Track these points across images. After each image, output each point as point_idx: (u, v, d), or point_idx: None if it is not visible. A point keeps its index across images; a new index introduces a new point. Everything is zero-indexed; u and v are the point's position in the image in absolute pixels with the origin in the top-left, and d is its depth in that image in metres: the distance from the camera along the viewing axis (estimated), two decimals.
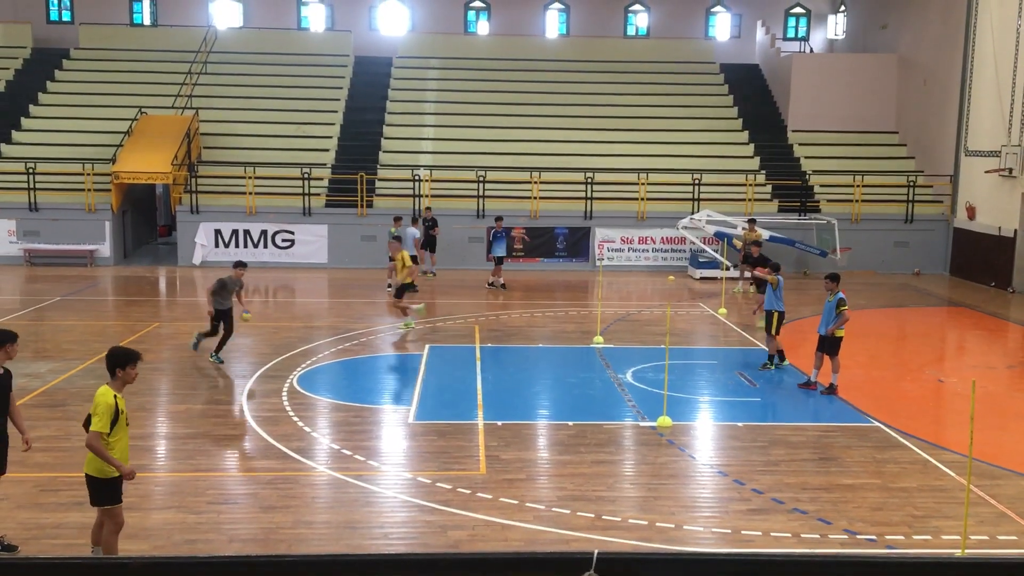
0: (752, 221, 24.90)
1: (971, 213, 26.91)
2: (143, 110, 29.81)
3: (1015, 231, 24.87)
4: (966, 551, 8.95)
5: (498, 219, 24.54)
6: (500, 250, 24.04)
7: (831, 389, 14.37)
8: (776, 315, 15.74)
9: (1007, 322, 21.13)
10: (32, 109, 30.86)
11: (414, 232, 24.12)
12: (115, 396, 7.80)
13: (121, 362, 7.80)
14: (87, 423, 7.82)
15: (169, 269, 26.99)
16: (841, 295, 14.39)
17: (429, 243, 25.21)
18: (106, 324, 19.44)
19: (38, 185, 27.02)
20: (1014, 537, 9.36)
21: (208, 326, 15.89)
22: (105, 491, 8.03)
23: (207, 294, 15.82)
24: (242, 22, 36.80)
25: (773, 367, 15.87)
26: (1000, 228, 25.50)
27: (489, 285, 23.99)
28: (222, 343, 15.72)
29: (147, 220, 32.25)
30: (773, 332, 15.81)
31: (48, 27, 35.66)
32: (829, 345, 14.42)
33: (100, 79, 32.34)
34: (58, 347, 16.86)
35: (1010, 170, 24.58)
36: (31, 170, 26.83)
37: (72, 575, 2.54)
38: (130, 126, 29.05)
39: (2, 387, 8.53)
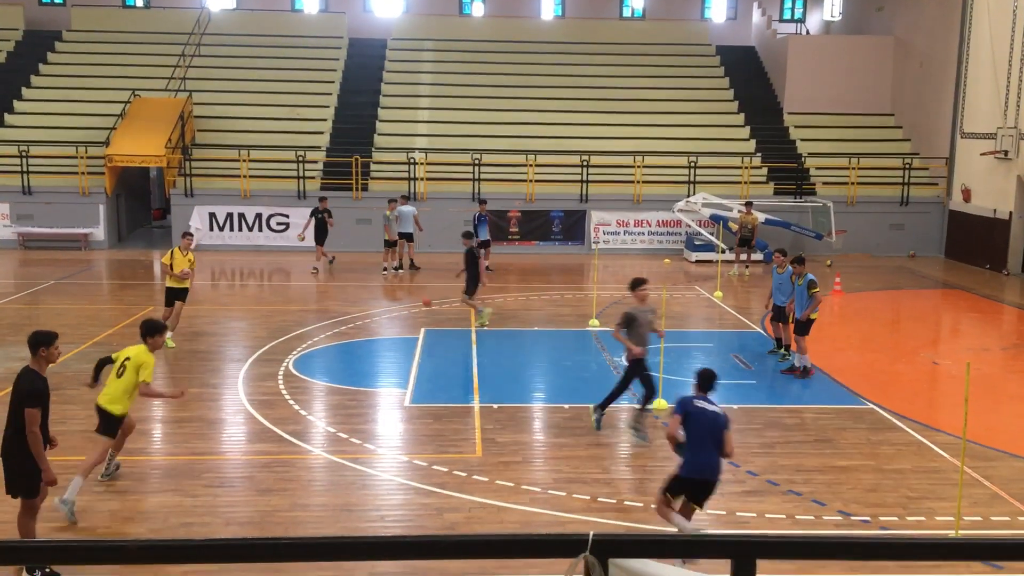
0: (749, 204, 24.88)
1: (966, 195, 26.93)
2: (136, 93, 29.65)
3: (1010, 213, 24.90)
4: (960, 532, 9.00)
5: (482, 202, 24.45)
6: (484, 234, 23.85)
7: (805, 372, 14.34)
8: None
9: (1002, 304, 21.18)
10: (25, 92, 30.67)
11: (412, 210, 23.92)
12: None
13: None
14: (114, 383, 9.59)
15: (163, 253, 26.83)
16: (811, 277, 14.39)
17: (320, 235, 23.59)
18: (100, 308, 19.40)
19: (31, 168, 26.90)
20: (1007, 518, 9.42)
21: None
22: (113, 426, 9.66)
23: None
24: (235, 4, 36.52)
25: (781, 356, 15.47)
26: (995, 210, 25.52)
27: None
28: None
29: (141, 203, 32.14)
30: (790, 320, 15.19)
31: (40, 9, 35.39)
32: (800, 328, 14.39)
33: (93, 61, 32.13)
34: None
35: (1005, 152, 24.58)
36: (24, 153, 26.70)
37: (68, 557, 2.54)
38: (123, 109, 28.90)
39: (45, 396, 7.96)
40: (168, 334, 15.17)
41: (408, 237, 23.67)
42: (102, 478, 10.07)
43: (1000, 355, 16.52)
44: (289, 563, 2.57)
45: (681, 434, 8.29)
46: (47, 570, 7.87)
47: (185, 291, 15.76)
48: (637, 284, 11.96)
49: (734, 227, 24.92)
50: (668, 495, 8.44)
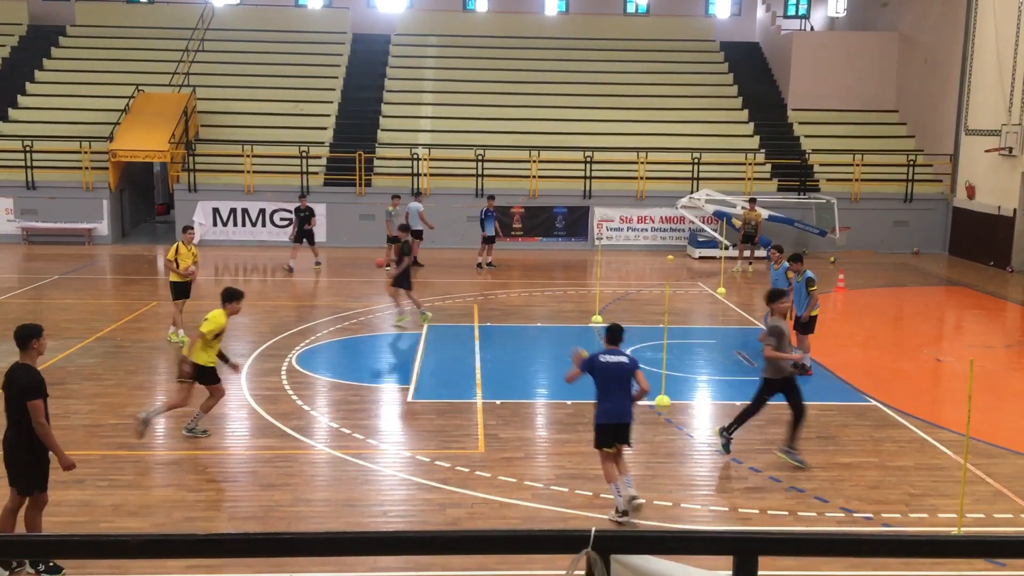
0: (752, 200, 24.85)
1: (971, 192, 26.87)
2: (140, 88, 29.66)
3: (1014, 210, 24.85)
4: (962, 529, 9.00)
5: (490, 198, 24.40)
6: (490, 230, 23.82)
7: (803, 369, 14.29)
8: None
9: (1005, 301, 21.14)
10: (28, 87, 30.69)
11: (418, 206, 23.74)
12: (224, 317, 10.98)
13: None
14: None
15: (167, 248, 26.85)
16: (809, 274, 14.36)
17: (303, 234, 22.97)
18: (104, 303, 19.43)
19: (35, 163, 26.92)
20: (1010, 515, 9.41)
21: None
22: (209, 376, 11.08)
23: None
24: None
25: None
26: (999, 207, 25.47)
27: (478, 267, 23.77)
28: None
29: (145, 198, 32.18)
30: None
31: (44, 4, 35.37)
32: (803, 327, 14.35)
33: (97, 56, 32.15)
34: (56, 326, 16.83)
35: (1010, 149, 24.52)
36: (28, 148, 26.72)
37: (72, 552, 2.55)
38: (127, 104, 28.91)
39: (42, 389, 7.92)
40: (180, 332, 15.26)
41: (417, 234, 23.53)
42: (185, 432, 11.22)
43: (1004, 352, 16.50)
44: (291, 558, 2.57)
45: (575, 376, 9.25)
46: (50, 564, 7.88)
47: (190, 285, 15.70)
48: (776, 297, 11.21)
49: (738, 223, 24.88)
50: (602, 449, 9.15)
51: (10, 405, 7.75)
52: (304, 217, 23.09)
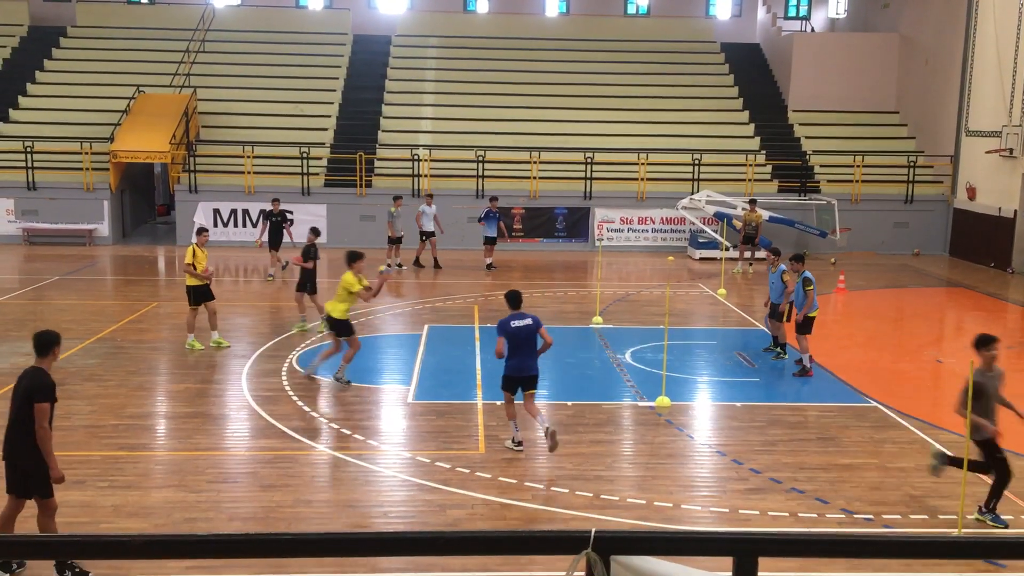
0: (753, 202, 24.85)
1: (971, 194, 26.87)
2: (141, 88, 29.67)
3: (1015, 212, 24.84)
4: (962, 530, 8.99)
5: (492, 199, 24.35)
6: (492, 231, 23.67)
7: (804, 371, 14.34)
8: (790, 305, 15.15)
9: (1006, 302, 21.14)
10: (29, 88, 30.71)
11: (432, 209, 23.51)
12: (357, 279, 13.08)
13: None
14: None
15: (168, 248, 26.96)
16: (807, 274, 14.35)
17: (275, 239, 21.58)
18: (105, 304, 19.44)
19: (36, 164, 26.94)
20: (1010, 517, 9.40)
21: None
22: (344, 328, 13.31)
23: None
24: (240, 0, 36.56)
25: (776, 355, 15.38)
26: (1000, 209, 25.46)
27: (488, 268, 23.77)
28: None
29: (145, 199, 32.19)
30: (785, 319, 15.18)
31: (45, 5, 35.39)
32: (800, 327, 14.34)
33: (97, 57, 32.16)
34: (56, 327, 16.66)
35: (1011, 150, 24.52)
36: (29, 149, 26.73)
37: (73, 552, 2.55)
38: (128, 105, 28.92)
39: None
40: (215, 334, 15.28)
41: (428, 236, 23.53)
42: (333, 378, 13.15)
43: (1004, 354, 16.41)
44: (292, 559, 2.58)
45: (504, 351, 10.50)
46: (76, 569, 7.87)
47: (208, 288, 15.45)
48: (986, 343, 9.67)
49: (738, 225, 24.88)
50: (507, 392, 10.87)
51: (16, 407, 7.69)
52: (277, 222, 21.46)
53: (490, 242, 23.81)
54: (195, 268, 15.05)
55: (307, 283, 16.58)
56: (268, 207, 22.29)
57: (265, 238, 21.82)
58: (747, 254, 24.38)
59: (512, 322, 10.60)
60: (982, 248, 26.15)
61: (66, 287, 20.77)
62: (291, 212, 24.45)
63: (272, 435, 11.38)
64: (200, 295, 15.28)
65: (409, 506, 9.52)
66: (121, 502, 9.40)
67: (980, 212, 26.40)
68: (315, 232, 17.02)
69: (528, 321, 10.62)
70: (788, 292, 14.90)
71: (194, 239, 15.58)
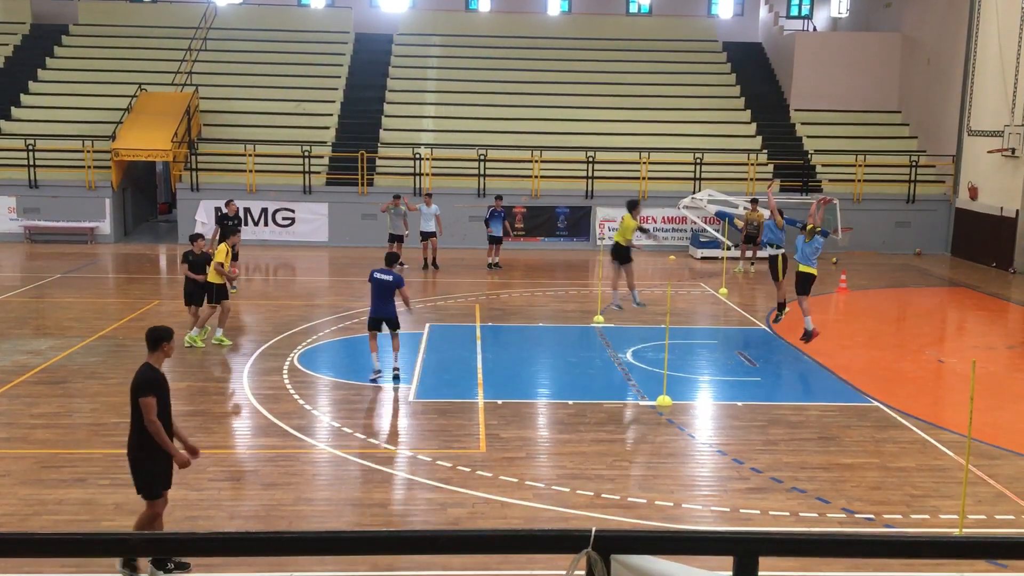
0: (755, 201, 24.82)
1: (973, 193, 26.85)
2: (143, 87, 29.69)
3: (1017, 211, 24.82)
4: (964, 530, 8.99)
5: (498, 198, 24.33)
6: (497, 230, 23.70)
7: (807, 335, 15.05)
8: (781, 258, 15.89)
9: (1008, 302, 21.12)
10: (31, 86, 30.72)
11: (436, 209, 23.31)
12: None
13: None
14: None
15: (169, 247, 26.96)
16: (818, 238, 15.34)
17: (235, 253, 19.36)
18: (106, 302, 19.45)
19: (38, 162, 26.95)
20: (1011, 517, 9.40)
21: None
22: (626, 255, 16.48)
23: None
24: None
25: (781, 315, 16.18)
26: (1002, 208, 25.44)
27: (489, 267, 23.80)
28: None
29: (147, 197, 32.20)
30: (780, 277, 15.94)
31: (47, 3, 35.39)
32: (800, 286, 15.08)
33: (99, 55, 32.18)
34: (58, 324, 16.87)
35: (1013, 150, 24.49)
36: (31, 147, 26.75)
37: (73, 550, 2.55)
38: (130, 103, 28.94)
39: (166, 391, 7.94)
40: (220, 331, 15.35)
41: (430, 236, 23.36)
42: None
43: (1006, 353, 16.48)
44: (293, 557, 2.58)
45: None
46: (170, 565, 7.91)
47: (225, 288, 15.51)
48: None
49: (740, 224, 24.86)
50: (371, 331, 13.58)
51: (132, 407, 7.75)
52: (232, 227, 18.50)
53: (495, 241, 23.78)
54: (223, 267, 15.22)
55: (196, 293, 15.48)
56: (223, 208, 20.38)
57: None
58: (748, 253, 24.36)
59: (376, 273, 13.38)
60: (984, 248, 26.13)
61: (68, 285, 20.79)
62: (239, 219, 21.67)
63: (273, 433, 11.38)
64: (221, 294, 15.41)
65: (410, 505, 9.53)
66: (123, 500, 9.40)
67: (982, 212, 26.38)
68: (196, 238, 15.88)
69: (389, 278, 13.24)
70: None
71: (203, 239, 15.78)
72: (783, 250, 15.99)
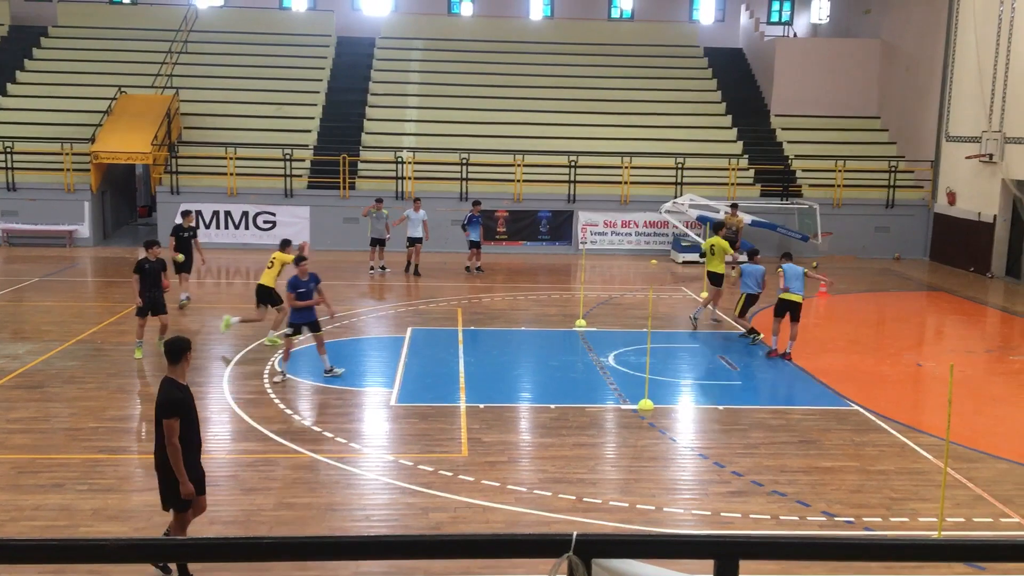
0: (734, 206, 24.93)
1: (951, 199, 27.08)
2: (123, 89, 29.50)
3: (994, 216, 25.06)
4: (942, 533, 9.05)
5: (475, 204, 24.05)
6: (475, 235, 23.44)
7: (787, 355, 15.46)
8: (743, 297, 16.87)
9: (985, 307, 21.31)
10: (9, 87, 30.45)
11: (423, 215, 23.02)
12: None
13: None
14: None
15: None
16: (762, 268, 16.70)
17: (185, 259, 18.44)
18: (85, 305, 19.29)
19: (16, 164, 26.71)
20: (989, 519, 9.47)
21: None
22: (270, 298, 15.41)
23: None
24: (223, 1, 36.41)
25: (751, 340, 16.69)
26: (980, 214, 25.67)
27: (467, 270, 23.74)
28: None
29: (127, 201, 31.98)
30: (736, 313, 16.95)
31: (26, 4, 35.13)
32: (777, 310, 15.69)
33: (79, 57, 31.94)
34: (37, 328, 16.72)
35: (990, 156, 24.73)
36: (9, 149, 26.52)
37: (48, 557, 2.52)
38: (110, 105, 28.74)
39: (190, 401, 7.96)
40: (272, 333, 15.84)
41: (418, 243, 23.15)
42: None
43: (984, 357, 16.62)
44: (272, 562, 2.56)
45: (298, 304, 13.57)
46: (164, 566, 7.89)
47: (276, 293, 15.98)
48: None
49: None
50: (289, 337, 13.78)
51: (157, 421, 7.73)
52: (187, 238, 18.47)
53: (475, 246, 23.70)
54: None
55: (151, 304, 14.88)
56: (178, 220, 19.84)
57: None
58: (728, 258, 24.41)
59: (300, 287, 13.69)
60: (962, 253, 26.36)
61: (46, 288, 20.61)
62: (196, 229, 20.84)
63: (254, 438, 11.32)
64: (274, 299, 15.94)
65: (391, 509, 9.50)
66: (101, 505, 9.33)
67: (960, 217, 26.61)
68: (151, 245, 15.05)
69: (313, 285, 13.75)
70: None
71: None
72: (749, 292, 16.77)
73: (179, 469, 7.60)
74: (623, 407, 12.79)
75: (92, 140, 27.17)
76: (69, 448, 10.84)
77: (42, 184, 26.76)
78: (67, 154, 26.70)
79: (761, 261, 17.37)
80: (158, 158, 27.42)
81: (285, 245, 16.19)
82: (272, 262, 15.86)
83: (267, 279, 15.87)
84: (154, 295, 14.76)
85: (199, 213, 26.77)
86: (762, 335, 16.55)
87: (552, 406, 12.79)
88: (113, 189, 29.17)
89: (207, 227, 26.79)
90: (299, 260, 14.09)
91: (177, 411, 7.57)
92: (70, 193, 26.68)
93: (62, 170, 26.73)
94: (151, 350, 14.95)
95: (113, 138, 27.17)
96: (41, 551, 2.44)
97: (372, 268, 23.38)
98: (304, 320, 13.81)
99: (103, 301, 19.80)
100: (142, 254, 15.33)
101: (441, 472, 10.28)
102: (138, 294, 14.65)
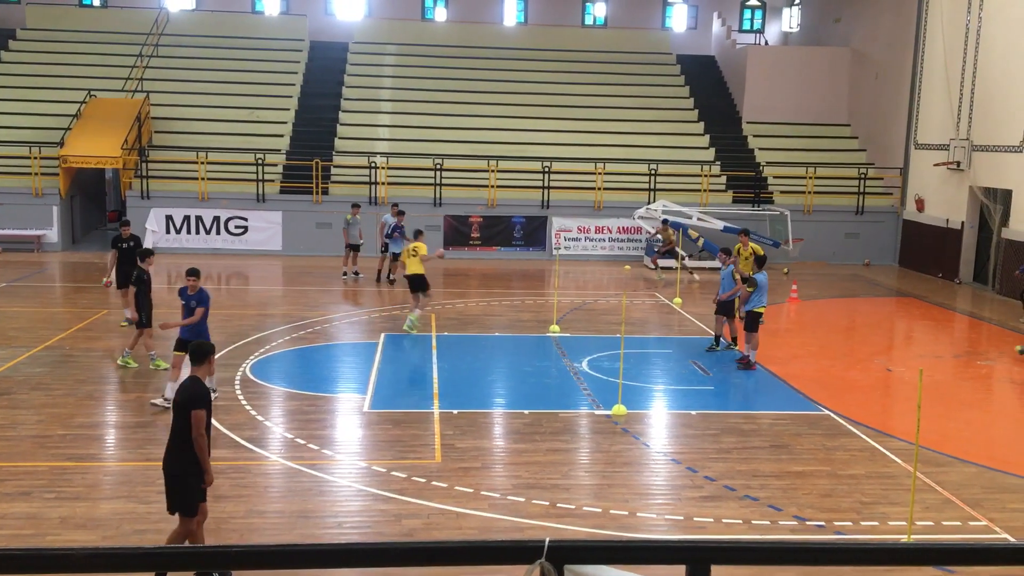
0: (665, 222, 25.03)
1: (920, 205, 27.41)
2: (92, 93, 29.20)
3: (962, 223, 25.38)
4: (912, 537, 9.14)
5: (399, 212, 22.69)
6: (397, 247, 22.01)
7: (747, 364, 15.33)
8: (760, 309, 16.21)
9: (953, 312, 21.57)
10: None
11: (393, 220, 22.35)
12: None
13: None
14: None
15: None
16: (732, 268, 16.23)
17: (125, 273, 16.28)
18: (54, 311, 19.06)
19: None
20: (958, 523, 9.57)
21: None
22: (423, 284, 16.66)
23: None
24: (195, 4, 36.18)
25: (718, 348, 16.62)
26: (948, 220, 26.00)
27: (389, 281, 22.63)
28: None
29: (96, 205, 31.63)
30: (743, 325, 16.30)
31: None
32: (748, 324, 15.48)
33: (48, 61, 31.59)
34: (4, 334, 16.48)
35: (958, 163, 25.05)
36: None
37: (14, 566, 2.48)
38: (79, 109, 28.44)
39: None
40: (417, 312, 17.31)
41: (395, 256, 22.46)
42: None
43: (952, 362, 16.81)
44: (243, 571, 2.54)
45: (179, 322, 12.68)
46: None
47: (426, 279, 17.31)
48: None
49: (694, 234, 25.12)
50: (176, 352, 12.45)
51: (175, 420, 7.83)
52: (128, 249, 16.57)
53: (396, 257, 21.99)
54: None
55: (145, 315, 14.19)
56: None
57: (113, 276, 17.17)
58: (663, 263, 24.78)
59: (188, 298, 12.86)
60: (930, 259, 26.67)
61: (13, 294, 20.33)
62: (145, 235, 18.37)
63: (224, 445, 11.21)
64: (423, 284, 17.23)
65: (364, 516, 9.44)
66: (68, 514, 9.20)
67: (928, 223, 26.94)
68: (147, 254, 14.48)
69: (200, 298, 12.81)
70: (736, 289, 16.20)
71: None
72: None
73: (204, 458, 7.77)
74: (597, 412, 12.81)
75: (61, 144, 26.87)
76: (36, 456, 10.69)
77: (10, 188, 26.42)
78: (35, 158, 26.38)
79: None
80: (128, 162, 27.17)
81: (418, 235, 17.80)
82: (415, 250, 17.12)
83: (416, 267, 17.04)
84: (126, 271, 15.02)
85: (169, 218, 26.54)
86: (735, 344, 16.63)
87: (526, 412, 12.78)
88: (82, 194, 28.86)
89: (177, 232, 26.57)
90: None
91: (205, 403, 7.85)
92: (38, 197, 26.35)
93: (30, 174, 26.41)
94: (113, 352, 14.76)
95: (82, 142, 26.89)
96: (7, 560, 2.40)
97: (345, 274, 23.28)
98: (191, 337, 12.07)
99: (72, 307, 19.56)
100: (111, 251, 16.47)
101: (414, 478, 10.25)
102: (135, 308, 14.07)
